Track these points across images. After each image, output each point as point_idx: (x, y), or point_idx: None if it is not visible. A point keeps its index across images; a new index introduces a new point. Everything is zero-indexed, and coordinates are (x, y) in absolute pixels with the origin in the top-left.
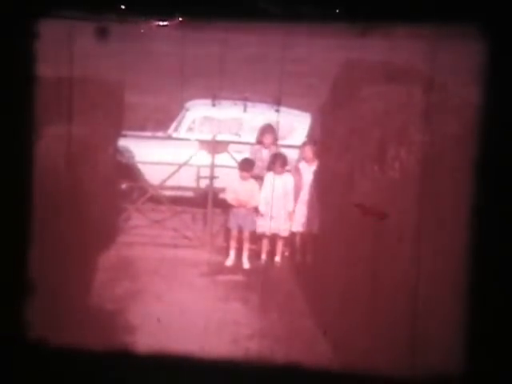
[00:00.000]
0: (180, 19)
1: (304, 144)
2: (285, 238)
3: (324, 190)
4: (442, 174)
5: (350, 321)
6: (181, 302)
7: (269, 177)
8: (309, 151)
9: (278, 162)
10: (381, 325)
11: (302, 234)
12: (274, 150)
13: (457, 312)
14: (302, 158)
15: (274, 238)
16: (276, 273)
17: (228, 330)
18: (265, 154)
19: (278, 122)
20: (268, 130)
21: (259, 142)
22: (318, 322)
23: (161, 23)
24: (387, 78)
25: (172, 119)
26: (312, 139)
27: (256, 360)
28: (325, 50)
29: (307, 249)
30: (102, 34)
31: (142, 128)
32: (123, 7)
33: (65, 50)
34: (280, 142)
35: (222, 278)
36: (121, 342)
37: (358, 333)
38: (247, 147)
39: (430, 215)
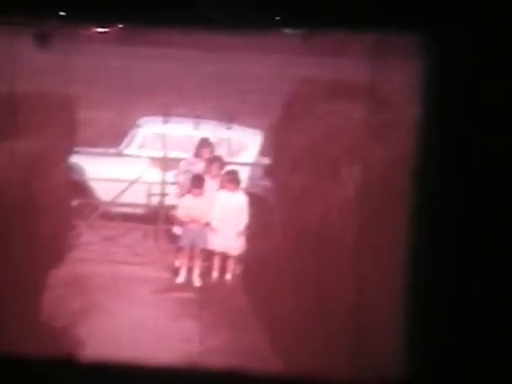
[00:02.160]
0: (120, 26)
1: (211, 160)
2: (236, 256)
3: (276, 207)
4: (392, 191)
5: (299, 331)
6: (132, 318)
7: (221, 194)
8: (215, 168)
9: (230, 179)
10: (325, 331)
11: (250, 252)
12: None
13: (399, 316)
14: (207, 173)
15: (225, 256)
16: (227, 290)
17: (179, 347)
18: (200, 167)
19: (230, 140)
20: (206, 144)
21: (197, 155)
22: (268, 336)
23: (101, 30)
24: (338, 96)
25: (124, 136)
26: (218, 156)
27: (205, 371)
28: (277, 68)
29: (256, 266)
30: (43, 40)
31: (94, 144)
32: (63, 14)
33: (6, 63)
34: (232, 160)
35: (173, 295)
36: (71, 355)
37: (305, 340)
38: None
39: (372, 224)
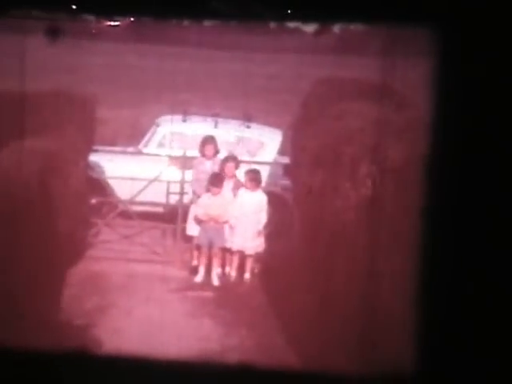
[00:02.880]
0: (131, 19)
1: (225, 160)
2: (254, 255)
3: (294, 206)
4: (408, 190)
5: (315, 329)
6: (149, 317)
7: (241, 193)
8: (230, 167)
9: (250, 178)
10: (339, 328)
11: (268, 251)
12: (217, 161)
13: (410, 311)
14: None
15: (243, 255)
16: (245, 289)
17: (196, 345)
18: (208, 166)
19: (248, 138)
20: (209, 141)
21: (201, 153)
22: (284, 334)
23: (112, 23)
24: (355, 95)
25: (141, 135)
26: (232, 155)
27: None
28: (292, 67)
29: (274, 265)
30: (54, 35)
31: (113, 143)
32: (74, 7)
33: (17, 60)
34: (251, 159)
35: (190, 293)
36: (87, 352)
37: (320, 337)
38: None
39: (387, 223)
